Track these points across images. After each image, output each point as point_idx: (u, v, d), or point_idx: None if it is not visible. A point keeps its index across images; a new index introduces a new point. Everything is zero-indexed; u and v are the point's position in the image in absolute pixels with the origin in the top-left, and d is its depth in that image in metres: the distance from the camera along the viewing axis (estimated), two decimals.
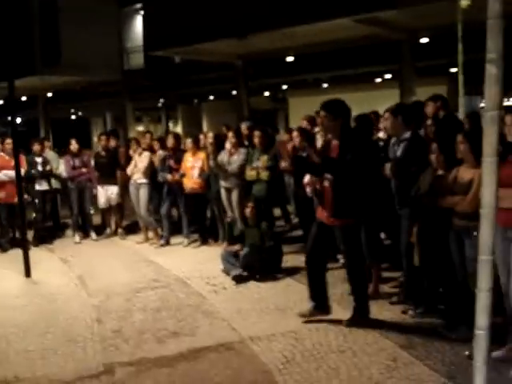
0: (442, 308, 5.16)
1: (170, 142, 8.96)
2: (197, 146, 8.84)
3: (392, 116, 5.52)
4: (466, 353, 4.27)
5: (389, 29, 12.13)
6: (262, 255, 6.97)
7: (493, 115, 2.56)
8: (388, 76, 20.29)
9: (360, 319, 5.21)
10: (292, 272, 7.07)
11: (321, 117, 5.21)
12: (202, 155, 8.71)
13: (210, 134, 8.76)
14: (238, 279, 6.78)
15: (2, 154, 9.16)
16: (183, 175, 8.71)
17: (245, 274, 6.85)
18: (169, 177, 8.79)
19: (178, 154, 8.92)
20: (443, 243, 4.81)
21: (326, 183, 5.12)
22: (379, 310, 5.57)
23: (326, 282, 5.43)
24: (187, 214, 8.98)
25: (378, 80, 21.64)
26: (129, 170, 9.22)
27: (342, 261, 7.15)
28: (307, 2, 10.93)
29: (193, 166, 8.68)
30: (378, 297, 5.89)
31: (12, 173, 8.08)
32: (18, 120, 29.86)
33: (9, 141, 8.95)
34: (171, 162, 8.85)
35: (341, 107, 5.14)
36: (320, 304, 5.38)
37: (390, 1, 10.17)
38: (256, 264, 6.91)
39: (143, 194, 9.09)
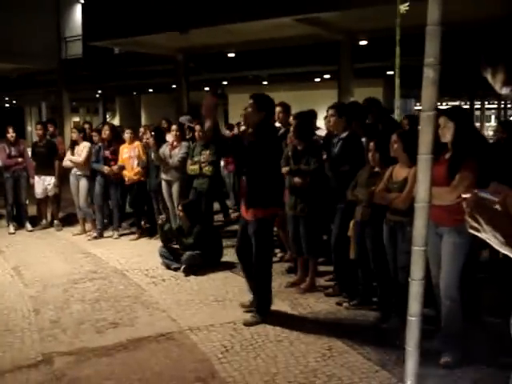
0: (376, 300, 5.39)
1: (106, 132, 8.91)
2: (134, 138, 8.85)
3: (337, 115, 5.74)
4: (397, 342, 4.48)
5: (329, 30, 12.39)
6: (203, 253, 7.05)
7: (429, 115, 2.73)
8: (327, 76, 20.68)
9: (260, 319, 5.23)
10: (230, 265, 7.17)
11: (247, 105, 5.32)
12: (136, 143, 8.77)
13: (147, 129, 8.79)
14: (188, 271, 6.83)
15: None
16: (122, 167, 8.69)
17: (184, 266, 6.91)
18: (105, 168, 8.74)
19: (113, 144, 8.89)
20: (377, 238, 5.03)
21: (244, 178, 5.28)
22: (315, 301, 5.77)
23: None
24: (117, 207, 8.99)
25: (317, 80, 22.02)
26: (65, 161, 9.12)
27: (279, 254, 7.34)
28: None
29: (130, 157, 8.70)
30: (314, 289, 6.08)
31: None
32: None
33: None
34: (107, 153, 8.81)
35: (268, 102, 5.28)
36: None
37: (331, 2, 10.40)
38: (198, 261, 6.99)
39: (83, 185, 9.00)
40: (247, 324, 5.18)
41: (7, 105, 31.19)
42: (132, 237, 8.93)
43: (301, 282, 6.20)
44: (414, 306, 2.85)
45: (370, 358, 4.42)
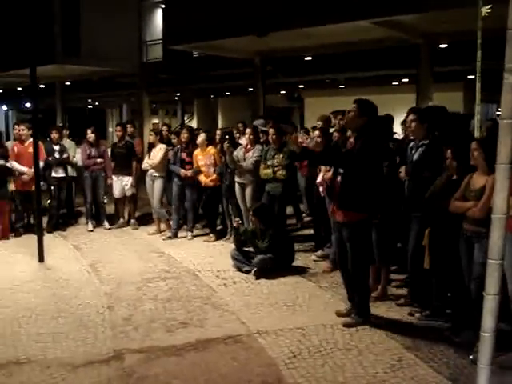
0: (449, 312, 5.21)
1: (184, 135, 9.07)
2: (208, 143, 8.95)
3: (418, 121, 5.59)
4: (471, 357, 4.33)
5: (408, 33, 12.11)
6: (275, 257, 7.05)
7: (509, 123, 2.61)
8: (405, 80, 20.26)
9: (360, 320, 5.26)
10: (302, 270, 7.16)
11: (350, 109, 5.28)
12: (211, 150, 8.84)
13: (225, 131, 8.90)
14: (259, 274, 6.86)
15: (16, 142, 9.34)
16: (198, 172, 8.83)
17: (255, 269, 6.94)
18: (182, 172, 8.90)
19: (190, 147, 9.04)
20: (453, 247, 4.87)
21: (338, 179, 5.23)
22: (386, 311, 5.65)
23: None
24: (193, 209, 9.13)
25: (395, 83, 21.61)
26: (144, 164, 9.37)
27: None
28: (327, 2, 10.95)
29: (206, 164, 8.81)
30: (385, 298, 5.96)
31: (21, 168, 8.71)
32: None
33: (22, 127, 9.12)
34: (183, 155, 8.97)
35: (371, 108, 5.25)
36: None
37: (410, 5, 10.16)
38: (269, 265, 6.99)
39: (157, 186, 9.21)
40: (347, 325, 5.22)
41: (90, 106, 32.34)
42: (205, 238, 9.04)
43: (372, 291, 6.07)
44: (488, 321, 2.73)
45: (440, 372, 4.28)
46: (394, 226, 5.96)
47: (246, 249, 7.41)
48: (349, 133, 5.95)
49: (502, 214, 2.67)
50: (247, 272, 6.99)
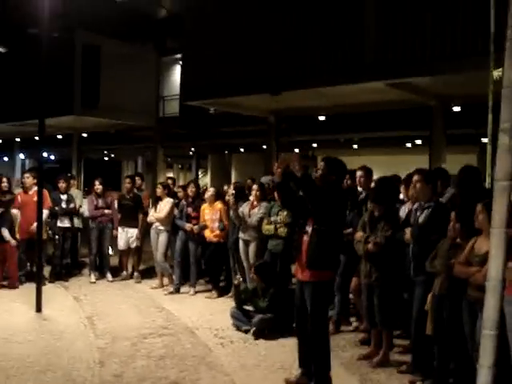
0: (451, 382, 4.97)
1: (192, 190, 9.06)
2: (215, 198, 8.92)
3: (424, 182, 5.48)
4: None
5: (421, 95, 12.14)
6: (276, 317, 6.85)
7: (504, 185, 2.50)
8: (418, 141, 20.26)
9: None
10: None
11: (317, 167, 5.28)
12: (219, 206, 8.80)
13: (231, 186, 8.86)
14: (258, 334, 6.65)
15: (20, 190, 9.37)
16: (203, 227, 8.77)
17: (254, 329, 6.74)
18: (187, 226, 8.85)
19: (196, 202, 9.01)
20: (456, 313, 4.68)
21: (305, 238, 5.05)
22: (387, 378, 5.41)
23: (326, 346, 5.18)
24: (196, 264, 9.02)
25: (408, 145, 21.61)
26: (149, 217, 9.33)
27: (354, 324, 7.03)
28: (341, 63, 11.05)
29: (211, 219, 8.76)
30: (387, 364, 5.71)
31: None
32: (52, 157, 30.57)
33: (27, 175, 9.16)
34: (189, 210, 8.94)
35: (339, 167, 5.22)
36: (309, 371, 5.15)
37: (423, 68, 10.21)
38: (269, 325, 6.80)
39: (162, 239, 9.14)
40: None
41: (106, 158, 32.67)
42: (207, 294, 8.86)
43: (374, 355, 5.85)
44: None
45: None
46: (397, 288, 5.78)
47: (247, 307, 7.22)
48: None
49: (496, 281, 2.53)
50: (246, 331, 6.78)
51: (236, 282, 7.51)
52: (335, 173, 5.10)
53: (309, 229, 5.01)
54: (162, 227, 9.16)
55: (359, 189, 7.08)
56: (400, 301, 6.04)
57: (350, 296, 7.05)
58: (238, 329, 6.91)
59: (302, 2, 11.02)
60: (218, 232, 8.71)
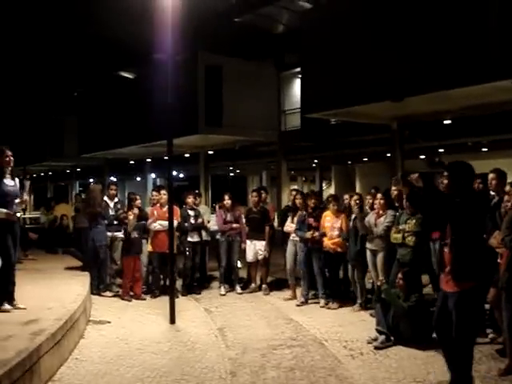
0: None
1: (311, 201, 9.11)
2: (338, 210, 8.93)
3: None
4: None
5: None
6: (412, 324, 6.67)
7: None
8: None
9: None
10: (437, 343, 6.64)
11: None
12: (341, 216, 8.79)
13: (355, 197, 8.75)
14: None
15: (158, 205, 9.83)
16: (323, 234, 8.75)
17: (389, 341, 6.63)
18: (307, 234, 8.90)
19: (316, 212, 9.04)
20: None
21: (446, 249, 4.87)
22: None
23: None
24: (322, 274, 8.98)
25: None
26: (286, 227, 9.59)
27: (491, 335, 6.67)
28: (464, 64, 10.63)
29: (332, 227, 8.76)
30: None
31: (166, 223, 8.60)
32: (181, 175, 31.88)
33: (163, 192, 9.62)
34: (311, 220, 9.00)
35: (463, 169, 5.06)
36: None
37: None
38: (405, 329, 6.64)
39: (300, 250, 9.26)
40: None
41: (231, 174, 33.53)
42: (334, 305, 8.78)
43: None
44: None
45: None
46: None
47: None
48: None
49: None
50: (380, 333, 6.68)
51: (379, 283, 7.56)
52: (462, 177, 4.90)
53: (448, 240, 4.87)
54: (297, 238, 9.31)
55: (491, 193, 6.74)
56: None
57: (486, 307, 6.69)
58: (378, 331, 6.79)
59: (421, 3, 10.75)
60: (336, 240, 8.70)
